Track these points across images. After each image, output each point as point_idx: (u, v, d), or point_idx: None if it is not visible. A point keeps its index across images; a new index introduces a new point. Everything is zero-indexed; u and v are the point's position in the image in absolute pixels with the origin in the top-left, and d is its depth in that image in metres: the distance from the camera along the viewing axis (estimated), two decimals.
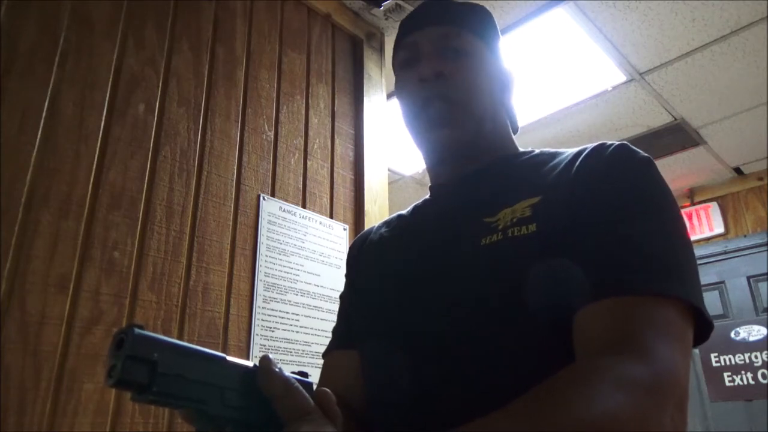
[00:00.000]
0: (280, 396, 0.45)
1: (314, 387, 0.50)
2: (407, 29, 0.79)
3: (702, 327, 0.56)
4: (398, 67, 0.80)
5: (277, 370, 0.46)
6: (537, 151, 0.75)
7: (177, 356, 0.42)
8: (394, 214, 0.86)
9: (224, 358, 0.45)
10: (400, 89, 0.79)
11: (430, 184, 0.81)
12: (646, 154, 0.64)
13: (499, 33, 0.82)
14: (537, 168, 0.70)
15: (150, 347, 0.40)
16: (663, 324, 0.51)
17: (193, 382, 0.42)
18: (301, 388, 0.46)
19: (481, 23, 0.78)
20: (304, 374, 0.50)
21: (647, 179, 0.62)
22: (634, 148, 0.65)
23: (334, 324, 0.85)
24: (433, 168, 0.80)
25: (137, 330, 0.40)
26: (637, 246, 0.55)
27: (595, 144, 0.67)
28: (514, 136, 0.81)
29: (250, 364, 0.47)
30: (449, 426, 0.48)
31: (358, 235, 0.90)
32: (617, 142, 0.65)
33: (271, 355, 0.48)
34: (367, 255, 0.82)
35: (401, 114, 0.80)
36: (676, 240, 0.58)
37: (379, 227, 0.85)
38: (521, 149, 0.78)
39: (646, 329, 0.50)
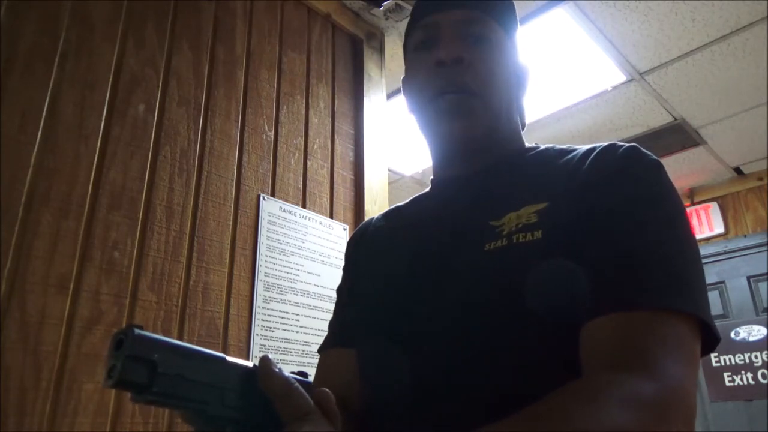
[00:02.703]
0: (280, 396, 0.45)
1: (313, 386, 0.50)
2: (426, 9, 0.73)
3: (708, 339, 0.55)
4: (412, 48, 0.74)
5: (276, 370, 0.46)
6: (543, 147, 0.73)
7: (177, 356, 0.42)
8: (393, 206, 0.84)
9: (224, 359, 0.45)
10: (412, 73, 0.74)
11: (431, 177, 0.79)
12: (656, 158, 0.63)
13: (518, 24, 0.78)
14: (544, 167, 0.68)
15: (150, 347, 0.40)
16: (671, 340, 0.50)
17: (193, 383, 0.42)
18: (300, 388, 0.46)
19: (504, 11, 0.73)
20: (304, 374, 0.50)
21: (658, 186, 0.60)
22: (644, 151, 0.63)
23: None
24: (440, 161, 0.77)
25: (137, 330, 0.40)
26: (647, 259, 0.54)
27: (606, 144, 0.65)
28: (531, 131, 0.79)
29: (249, 364, 0.47)
30: (448, 428, 0.48)
31: (357, 227, 0.88)
32: (627, 144, 0.64)
33: (270, 355, 0.48)
34: (366, 249, 0.80)
35: (407, 100, 0.77)
36: (685, 251, 0.56)
37: (378, 220, 0.83)
38: (528, 145, 0.76)
39: (655, 345, 0.49)
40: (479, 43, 0.70)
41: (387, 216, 0.83)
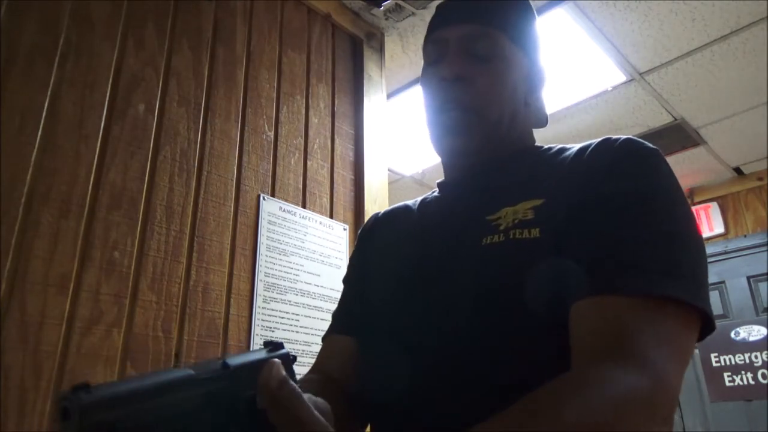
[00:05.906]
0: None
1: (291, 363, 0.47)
2: (437, 23, 0.76)
3: (705, 325, 0.55)
4: (426, 62, 0.78)
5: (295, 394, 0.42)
6: (547, 146, 0.75)
7: (134, 404, 0.38)
8: (401, 204, 0.85)
9: (191, 375, 0.41)
10: (423, 86, 0.78)
11: (438, 181, 0.81)
12: (653, 147, 0.63)
13: (535, 26, 0.78)
14: (541, 166, 0.69)
15: (101, 408, 0.36)
16: (655, 328, 0.50)
17: (163, 420, 0.39)
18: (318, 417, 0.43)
19: (513, 19, 0.74)
20: (280, 345, 0.47)
21: (653, 175, 0.59)
22: (640, 141, 0.63)
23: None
24: (446, 166, 0.79)
25: (83, 395, 0.35)
26: (637, 247, 0.54)
27: (601, 139, 0.65)
28: (534, 130, 0.79)
29: (219, 361, 0.43)
30: (448, 424, 0.48)
31: (369, 218, 0.90)
32: (624, 137, 0.64)
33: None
34: (376, 246, 0.82)
35: (423, 105, 0.79)
36: (680, 239, 0.56)
37: (387, 215, 0.85)
38: (537, 144, 0.77)
39: (639, 334, 0.49)
40: (483, 62, 0.71)
41: (396, 213, 0.84)
